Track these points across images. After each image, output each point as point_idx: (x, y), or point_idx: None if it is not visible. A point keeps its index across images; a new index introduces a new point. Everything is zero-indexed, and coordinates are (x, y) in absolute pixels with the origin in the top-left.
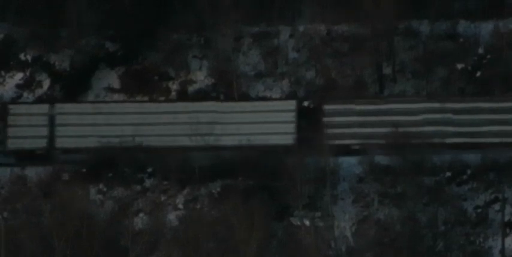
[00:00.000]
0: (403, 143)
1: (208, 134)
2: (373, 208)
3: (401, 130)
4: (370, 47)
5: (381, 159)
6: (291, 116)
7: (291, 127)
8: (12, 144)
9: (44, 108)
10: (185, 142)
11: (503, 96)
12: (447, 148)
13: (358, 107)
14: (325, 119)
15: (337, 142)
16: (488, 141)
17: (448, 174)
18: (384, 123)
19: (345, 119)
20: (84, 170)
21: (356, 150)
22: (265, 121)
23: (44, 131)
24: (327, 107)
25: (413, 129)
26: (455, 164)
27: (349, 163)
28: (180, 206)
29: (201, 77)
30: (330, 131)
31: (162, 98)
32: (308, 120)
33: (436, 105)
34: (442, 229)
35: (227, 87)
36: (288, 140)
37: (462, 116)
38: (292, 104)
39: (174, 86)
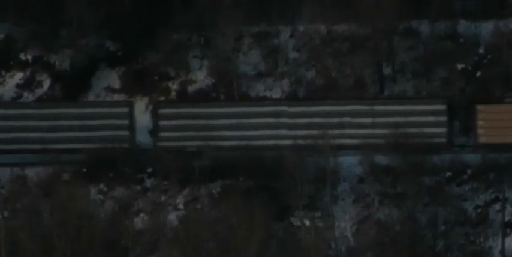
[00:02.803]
0: None
1: None
2: (374, 208)
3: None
4: (370, 47)
5: (381, 159)
6: None
7: None
8: None
9: None
10: None
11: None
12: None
13: None
14: None
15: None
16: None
17: (449, 174)
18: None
19: None
20: (85, 170)
21: None
22: None
23: None
24: None
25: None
26: (455, 164)
27: (350, 163)
28: (181, 206)
29: (201, 77)
30: None
31: None
32: None
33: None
34: (442, 229)
35: (227, 88)
36: None
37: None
38: None
39: (174, 86)
